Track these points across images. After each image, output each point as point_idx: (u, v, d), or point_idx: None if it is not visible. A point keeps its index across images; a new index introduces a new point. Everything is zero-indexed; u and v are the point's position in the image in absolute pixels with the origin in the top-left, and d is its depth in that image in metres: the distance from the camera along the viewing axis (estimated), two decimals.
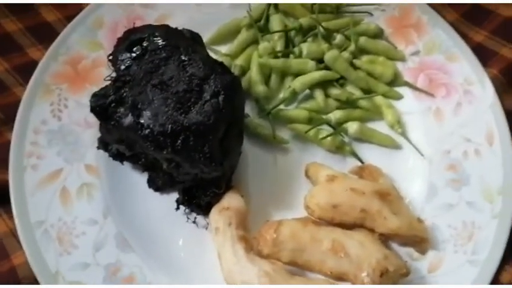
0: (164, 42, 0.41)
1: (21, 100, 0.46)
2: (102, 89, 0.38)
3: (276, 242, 0.40)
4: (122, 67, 0.39)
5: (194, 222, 0.44)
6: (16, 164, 0.43)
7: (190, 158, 0.38)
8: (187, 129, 0.37)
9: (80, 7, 0.51)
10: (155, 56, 0.40)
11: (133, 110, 0.37)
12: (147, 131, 0.37)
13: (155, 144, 0.37)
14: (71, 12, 0.50)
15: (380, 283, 0.38)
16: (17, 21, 0.51)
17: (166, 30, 0.42)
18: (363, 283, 0.38)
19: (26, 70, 0.47)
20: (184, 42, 0.41)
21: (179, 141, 0.37)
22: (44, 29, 0.51)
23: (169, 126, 0.37)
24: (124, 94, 0.38)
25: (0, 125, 0.46)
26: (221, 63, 0.42)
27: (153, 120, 0.37)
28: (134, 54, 0.40)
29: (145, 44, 0.40)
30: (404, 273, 0.39)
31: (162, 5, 0.52)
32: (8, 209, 0.42)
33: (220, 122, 0.39)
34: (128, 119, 0.37)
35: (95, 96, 0.38)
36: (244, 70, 0.50)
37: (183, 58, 0.40)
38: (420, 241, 0.42)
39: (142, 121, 0.37)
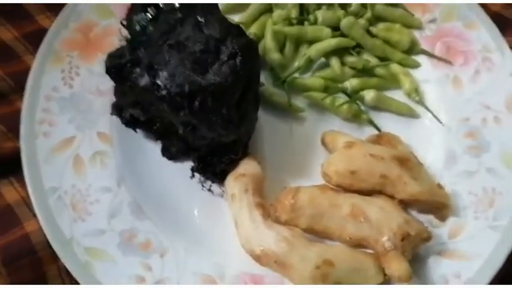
0: (179, 4, 0.40)
1: (31, 68, 0.45)
2: (117, 49, 0.38)
3: (294, 207, 0.40)
4: (138, 28, 0.39)
5: (209, 190, 0.43)
6: (28, 131, 0.42)
7: (208, 120, 0.37)
8: (205, 90, 0.36)
9: None
10: (171, 16, 0.39)
11: (149, 70, 0.37)
12: (164, 92, 0.36)
13: (172, 105, 0.36)
14: None
15: (402, 247, 0.37)
16: None
17: None
18: (384, 248, 0.38)
19: (35, 38, 0.46)
20: (200, 3, 0.40)
21: (196, 102, 0.36)
22: None
23: (186, 86, 0.36)
24: (140, 54, 0.37)
25: (10, 93, 0.46)
26: (237, 26, 0.41)
27: (170, 81, 0.36)
28: (149, 15, 0.39)
29: (160, 5, 0.39)
30: (425, 238, 0.38)
31: None
32: (20, 177, 0.41)
33: (238, 84, 0.38)
34: (145, 80, 0.36)
35: (110, 57, 0.37)
36: (258, 38, 0.49)
37: (199, 19, 0.39)
38: (441, 207, 0.41)
39: (158, 82, 0.36)
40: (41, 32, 0.46)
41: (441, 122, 0.46)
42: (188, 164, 0.43)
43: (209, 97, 0.36)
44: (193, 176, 0.43)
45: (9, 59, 0.47)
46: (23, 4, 0.50)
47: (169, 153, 0.44)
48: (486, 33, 0.49)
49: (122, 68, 0.36)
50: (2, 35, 0.48)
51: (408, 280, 0.36)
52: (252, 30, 0.49)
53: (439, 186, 0.42)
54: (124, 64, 0.37)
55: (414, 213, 0.42)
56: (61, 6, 0.47)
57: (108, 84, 0.42)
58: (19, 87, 0.45)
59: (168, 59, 0.37)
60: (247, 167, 0.42)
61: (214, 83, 0.37)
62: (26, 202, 0.41)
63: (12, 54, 0.47)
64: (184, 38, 0.38)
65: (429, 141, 0.46)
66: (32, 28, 0.49)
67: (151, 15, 0.39)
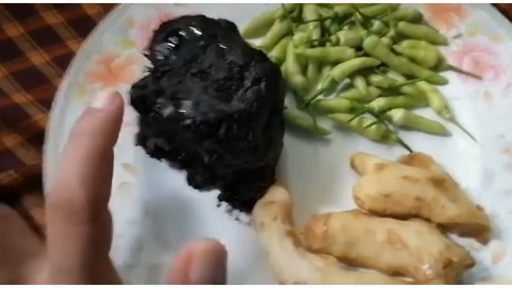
0: (201, 32, 0.39)
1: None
2: (141, 80, 0.37)
3: (326, 235, 0.38)
4: (160, 57, 0.38)
5: (237, 219, 0.42)
6: (52, 167, 0.42)
7: (234, 147, 0.36)
8: (230, 117, 0.36)
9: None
10: (193, 45, 0.38)
11: (173, 100, 0.36)
12: (188, 121, 0.35)
13: (197, 134, 0.36)
14: (113, 7, 0.50)
15: (444, 275, 0.35)
16: (59, 15, 0.51)
17: (202, 20, 0.41)
18: (425, 276, 0.36)
19: (66, 62, 0.46)
20: (221, 31, 0.40)
21: (222, 130, 0.35)
22: (84, 22, 0.50)
23: (211, 115, 0.35)
24: (163, 84, 0.37)
25: (36, 115, 0.46)
26: (260, 51, 0.40)
27: (194, 110, 0.36)
28: (171, 45, 0.39)
29: (181, 33, 0.39)
30: (468, 264, 0.36)
31: (194, 2, 0.51)
32: None
33: (263, 109, 0.37)
34: (169, 110, 0.36)
35: (134, 87, 0.37)
36: (280, 61, 0.48)
37: (221, 46, 0.39)
38: (481, 230, 0.39)
39: (182, 111, 0.36)
40: (71, 56, 0.47)
41: (475, 139, 0.44)
42: (215, 193, 0.43)
43: (234, 124, 0.36)
44: (219, 204, 0.42)
45: (40, 84, 0.48)
46: (54, 29, 0.50)
47: (194, 182, 0.43)
48: None
49: (146, 99, 0.36)
50: (34, 59, 0.49)
51: None
52: (273, 54, 0.48)
53: (478, 207, 0.40)
54: (148, 95, 0.36)
55: (453, 236, 0.40)
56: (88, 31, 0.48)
57: (131, 114, 0.42)
58: (49, 111, 0.45)
59: (192, 87, 0.36)
60: (275, 194, 0.40)
61: (239, 109, 0.36)
62: None
63: (43, 78, 0.48)
64: (207, 65, 0.37)
65: (464, 160, 0.44)
66: (62, 52, 0.49)
67: (173, 44, 0.39)
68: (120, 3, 0.50)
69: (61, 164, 0.28)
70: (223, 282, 0.25)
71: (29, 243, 0.31)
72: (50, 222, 0.27)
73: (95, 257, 0.27)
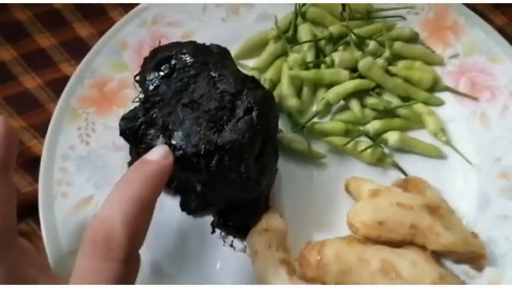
0: (192, 59, 0.39)
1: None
2: (131, 111, 0.37)
3: (320, 264, 0.38)
4: (151, 87, 0.38)
5: (231, 245, 0.41)
6: (46, 193, 0.42)
7: (226, 179, 0.36)
8: (221, 149, 0.35)
9: (114, 22, 0.50)
10: (184, 73, 0.38)
11: (163, 131, 0.36)
12: (179, 153, 0.35)
13: (188, 166, 0.35)
14: (105, 28, 0.49)
15: None
16: (51, 37, 0.51)
17: (193, 47, 0.40)
18: None
19: (59, 85, 0.47)
20: (213, 58, 0.40)
21: (213, 161, 0.35)
22: (77, 44, 0.51)
23: (202, 146, 0.35)
24: (154, 115, 0.36)
25: (30, 141, 0.46)
26: (252, 78, 0.40)
27: (185, 141, 0.35)
28: (162, 73, 0.38)
29: (172, 62, 0.39)
30: None
31: (186, 22, 0.51)
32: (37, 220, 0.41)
33: (255, 139, 0.37)
34: (160, 141, 0.36)
35: (124, 119, 0.36)
36: (274, 84, 0.48)
37: (213, 74, 0.38)
38: (476, 257, 0.39)
39: (173, 142, 0.35)
40: (64, 80, 0.47)
41: (470, 163, 0.44)
42: (209, 219, 0.42)
43: (226, 156, 0.35)
44: (213, 231, 0.42)
45: (33, 108, 0.48)
46: (47, 53, 0.50)
47: (188, 209, 0.43)
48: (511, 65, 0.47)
49: (137, 131, 0.36)
50: (27, 83, 0.49)
51: None
52: (267, 76, 0.48)
53: (473, 234, 0.40)
54: (138, 126, 0.36)
55: (448, 263, 0.40)
56: (85, 54, 0.48)
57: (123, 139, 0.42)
58: (42, 137, 0.45)
59: (183, 118, 0.36)
60: (269, 221, 0.40)
61: (230, 140, 0.35)
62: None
63: (36, 103, 0.48)
64: (198, 95, 0.37)
65: (460, 183, 0.43)
66: (55, 76, 0.49)
67: (164, 73, 0.38)
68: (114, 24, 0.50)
69: (107, 200, 0.29)
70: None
71: (45, 278, 0.32)
72: (84, 253, 0.28)
73: None
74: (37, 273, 0.32)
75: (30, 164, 0.44)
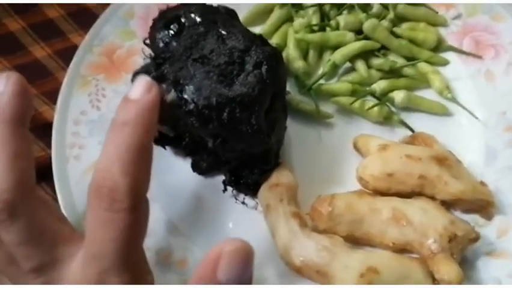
0: (201, 18, 0.40)
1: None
2: (142, 67, 0.38)
3: (331, 215, 0.38)
4: (161, 45, 0.39)
5: (243, 203, 0.42)
6: (59, 157, 0.43)
7: (237, 131, 0.36)
8: (232, 101, 0.36)
9: None
10: (193, 31, 0.39)
11: (175, 85, 0.36)
12: (191, 106, 0.36)
13: (200, 118, 0.36)
14: None
15: (449, 249, 0.36)
16: (59, 8, 0.51)
17: (201, 7, 0.41)
18: (430, 251, 0.36)
19: (68, 54, 0.47)
20: (221, 17, 0.40)
21: (225, 113, 0.36)
22: (85, 14, 0.51)
23: (214, 99, 0.36)
24: (165, 70, 0.37)
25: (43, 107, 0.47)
26: (260, 36, 0.40)
27: (197, 95, 0.36)
28: (172, 32, 0.39)
29: (182, 20, 0.39)
30: (473, 238, 0.37)
31: None
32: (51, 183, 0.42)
33: (265, 93, 0.37)
34: (171, 95, 0.36)
35: (136, 74, 0.37)
36: (281, 48, 0.48)
37: (222, 32, 0.39)
38: (485, 205, 0.40)
39: (185, 96, 0.36)
40: (74, 49, 0.47)
41: (477, 118, 0.45)
42: (220, 178, 0.43)
43: (237, 108, 0.36)
44: (225, 189, 0.42)
45: (43, 77, 0.48)
46: (56, 22, 0.51)
47: (199, 169, 0.43)
48: None
49: None
50: (36, 53, 0.50)
51: (460, 283, 0.34)
52: (274, 41, 0.48)
53: (482, 183, 0.40)
54: None
55: (458, 213, 0.40)
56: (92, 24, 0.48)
57: None
58: (53, 103, 0.46)
59: (194, 73, 0.37)
60: (280, 176, 0.41)
61: (241, 93, 0.36)
62: None
63: (45, 71, 0.49)
64: (208, 51, 0.38)
65: (467, 138, 0.44)
66: (64, 45, 0.50)
67: (174, 31, 0.39)
68: None
69: (103, 152, 0.29)
70: (250, 282, 0.26)
71: (64, 228, 0.32)
72: (91, 208, 0.28)
73: (130, 246, 0.28)
74: (58, 223, 0.32)
75: (42, 129, 0.45)
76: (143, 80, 0.30)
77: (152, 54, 0.39)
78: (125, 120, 0.28)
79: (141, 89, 0.29)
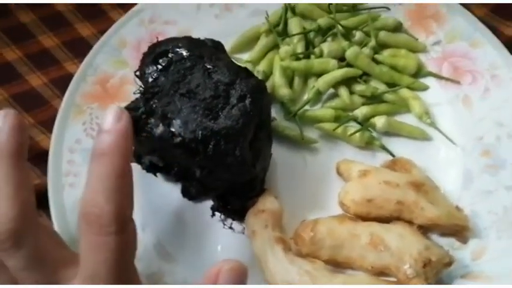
0: (188, 53, 0.41)
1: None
2: (132, 102, 0.39)
3: (313, 240, 0.40)
4: (150, 79, 0.40)
5: (230, 227, 0.44)
6: (55, 184, 0.44)
7: (223, 162, 0.38)
8: (217, 134, 0.38)
9: (113, 22, 0.53)
10: (180, 65, 0.41)
11: (163, 119, 0.38)
12: (178, 139, 0.38)
13: (187, 151, 0.38)
14: (105, 27, 0.52)
15: (424, 274, 0.37)
16: (54, 37, 0.53)
17: (188, 41, 0.43)
18: (405, 275, 0.38)
19: (63, 82, 0.49)
20: (207, 50, 0.42)
21: (210, 146, 0.38)
22: (79, 43, 0.53)
23: (200, 132, 0.38)
24: (154, 105, 0.39)
25: (38, 136, 0.49)
26: (245, 68, 0.42)
27: (183, 128, 0.38)
28: (160, 66, 0.41)
29: (169, 55, 0.41)
30: (447, 263, 0.38)
31: (182, 20, 0.53)
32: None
33: (249, 125, 0.39)
34: (160, 129, 0.38)
35: (125, 109, 0.39)
36: (267, 75, 0.50)
37: (208, 66, 0.41)
38: (461, 230, 0.41)
39: (173, 130, 0.38)
40: (68, 77, 0.49)
41: (454, 143, 0.46)
42: (209, 204, 0.45)
43: (222, 140, 0.38)
44: (213, 215, 0.44)
45: (40, 105, 0.50)
46: (51, 52, 0.53)
47: (189, 194, 0.45)
48: (491, 50, 0.49)
49: (138, 120, 0.38)
50: (32, 81, 0.51)
51: None
52: (260, 68, 0.50)
53: (457, 208, 0.42)
54: (139, 116, 0.38)
55: (435, 236, 0.42)
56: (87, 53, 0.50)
57: None
58: (49, 132, 0.48)
59: (181, 107, 0.39)
60: (265, 202, 0.43)
61: (225, 126, 0.38)
62: None
63: (41, 100, 0.50)
64: (194, 85, 0.40)
65: (445, 163, 0.46)
66: (59, 73, 0.52)
67: (162, 66, 0.41)
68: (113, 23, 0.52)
69: (87, 183, 0.31)
70: None
71: (64, 253, 0.34)
72: (82, 234, 0.30)
73: (121, 264, 0.31)
74: (58, 248, 0.34)
75: (38, 158, 0.47)
76: (113, 109, 0.32)
77: (143, 87, 0.41)
78: (102, 151, 0.31)
79: (112, 118, 0.31)
